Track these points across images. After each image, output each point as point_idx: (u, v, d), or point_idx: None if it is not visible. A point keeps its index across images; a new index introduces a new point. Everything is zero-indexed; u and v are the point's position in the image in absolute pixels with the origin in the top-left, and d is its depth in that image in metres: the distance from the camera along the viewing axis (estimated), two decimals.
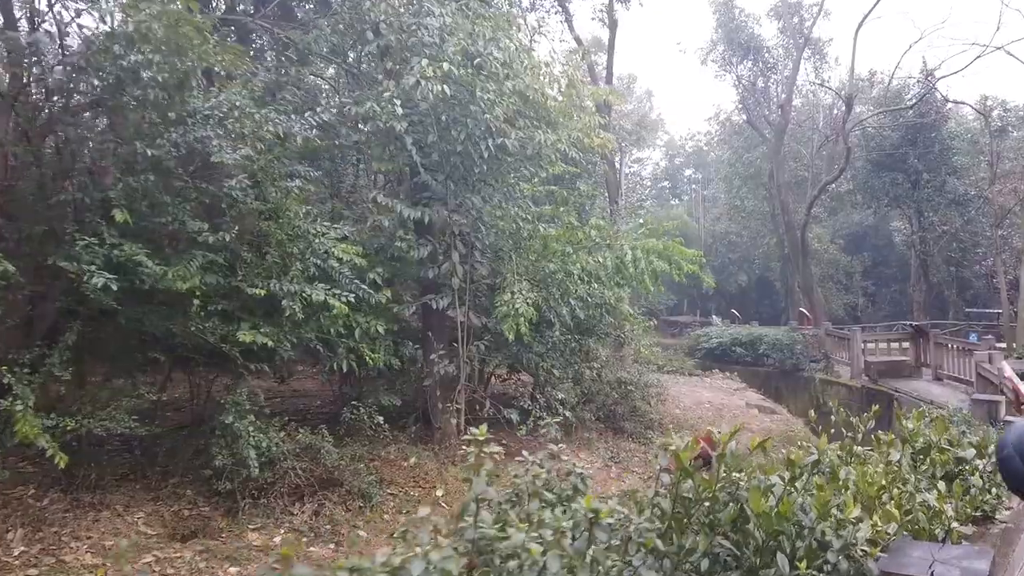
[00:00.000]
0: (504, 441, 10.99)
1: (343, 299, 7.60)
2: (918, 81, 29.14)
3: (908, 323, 23.85)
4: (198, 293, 6.72)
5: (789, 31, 34.02)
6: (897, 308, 36.66)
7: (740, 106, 35.17)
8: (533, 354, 10.52)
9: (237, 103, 6.75)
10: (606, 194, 19.31)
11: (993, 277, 30.32)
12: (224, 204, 7.48)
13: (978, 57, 24.98)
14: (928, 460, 2.95)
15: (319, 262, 7.73)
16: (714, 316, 36.51)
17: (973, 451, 2.97)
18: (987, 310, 30.41)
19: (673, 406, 15.47)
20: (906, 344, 21.01)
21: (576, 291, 10.08)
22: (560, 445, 10.03)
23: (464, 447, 8.63)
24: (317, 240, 7.46)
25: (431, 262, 9.59)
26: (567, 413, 10.54)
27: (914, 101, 28.37)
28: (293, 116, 7.54)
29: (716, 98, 70.22)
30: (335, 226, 8.02)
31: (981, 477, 3.07)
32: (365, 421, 8.22)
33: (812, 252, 36.34)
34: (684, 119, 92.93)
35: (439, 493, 8.44)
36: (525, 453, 3.52)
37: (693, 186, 57.92)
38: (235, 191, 6.68)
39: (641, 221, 9.83)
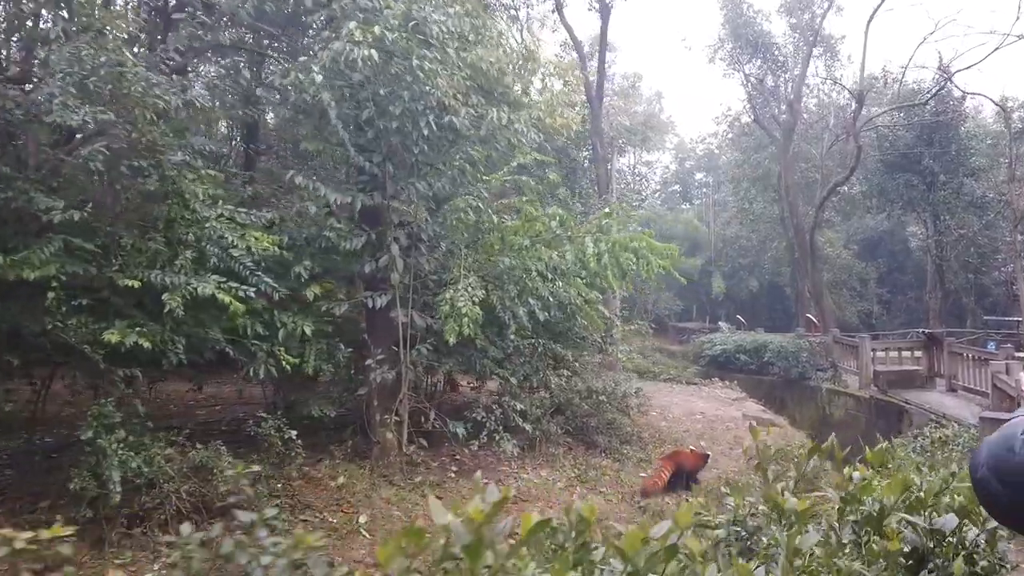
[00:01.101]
0: (457, 456, 9.91)
1: (243, 294, 6.53)
2: (934, 77, 27.76)
3: (921, 330, 22.51)
4: (55, 284, 5.68)
5: (800, 27, 32.79)
6: (913, 316, 35.15)
7: (748, 105, 33.90)
8: (489, 360, 9.40)
9: (103, 59, 5.71)
10: (595, 189, 18.13)
11: (1013, 284, 28.85)
12: (120, 183, 6.48)
13: (997, 48, 23.55)
14: (871, 540, 1.81)
15: (220, 251, 6.67)
16: (721, 322, 35.15)
17: (954, 519, 1.84)
18: (1006, 318, 28.90)
19: (660, 417, 14.29)
20: (919, 353, 19.71)
21: (535, 289, 8.96)
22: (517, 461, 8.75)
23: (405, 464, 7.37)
24: (210, 225, 6.37)
25: (369, 255, 8.52)
26: (527, 426, 9.43)
27: (929, 96, 26.96)
28: (175, 77, 6.48)
29: (725, 98, 68.84)
30: (241, 210, 6.93)
31: (971, 557, 1.94)
32: (272, 435, 7.10)
33: (824, 257, 34.97)
34: (695, 121, 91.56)
35: (362, 519, 7.33)
36: None
37: (704, 190, 56.54)
38: (95, 162, 5.61)
39: (607, 210, 8.66)
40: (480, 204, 8.73)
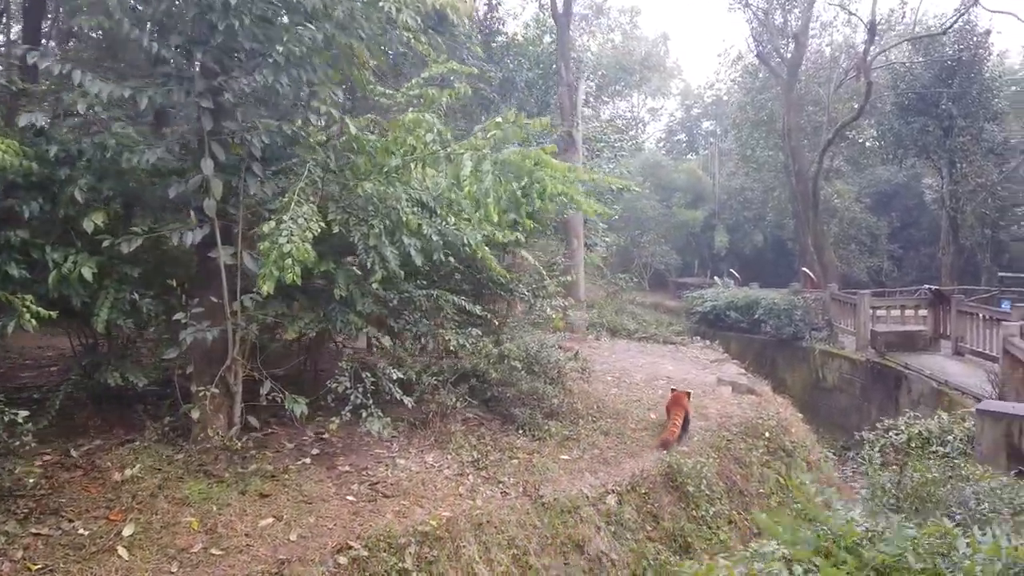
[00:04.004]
0: (325, 436, 7.91)
1: None
2: (956, 8, 24.99)
3: (927, 287, 20.26)
4: None
5: None
6: (926, 273, 32.69)
7: (752, 41, 31.15)
8: (355, 315, 7.34)
9: None
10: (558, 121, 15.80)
11: None
12: None
13: None
14: None
15: None
16: (716, 278, 32.90)
17: None
18: None
19: (613, 383, 12.28)
20: (923, 312, 17.60)
21: (410, 225, 6.88)
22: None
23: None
24: None
25: (176, 174, 6.44)
26: (406, 399, 7.42)
27: (951, 23, 24.25)
28: None
29: (733, 39, 65.13)
30: None
31: None
32: None
33: (833, 209, 32.51)
34: (702, 68, 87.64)
35: (127, 531, 5.36)
36: None
37: (711, 140, 53.73)
38: None
39: (499, 119, 6.51)
40: (332, 110, 6.61)
